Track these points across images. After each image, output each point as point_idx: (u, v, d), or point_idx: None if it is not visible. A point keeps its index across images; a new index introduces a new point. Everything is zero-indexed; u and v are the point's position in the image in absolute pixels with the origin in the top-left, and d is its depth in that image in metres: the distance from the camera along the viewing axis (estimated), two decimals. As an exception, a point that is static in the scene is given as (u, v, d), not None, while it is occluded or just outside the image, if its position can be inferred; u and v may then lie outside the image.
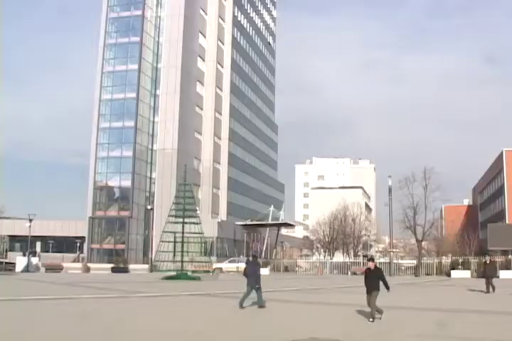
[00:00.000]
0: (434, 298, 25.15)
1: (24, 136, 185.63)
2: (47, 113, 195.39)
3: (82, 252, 76.14)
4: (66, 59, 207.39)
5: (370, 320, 15.89)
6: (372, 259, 17.22)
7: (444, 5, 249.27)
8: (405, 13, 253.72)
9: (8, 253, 76.17)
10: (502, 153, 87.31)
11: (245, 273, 20.03)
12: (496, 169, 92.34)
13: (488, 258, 31.10)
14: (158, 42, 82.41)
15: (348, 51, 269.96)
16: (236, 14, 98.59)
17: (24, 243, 72.49)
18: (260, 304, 19.30)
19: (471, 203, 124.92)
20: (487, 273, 28.19)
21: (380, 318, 16.03)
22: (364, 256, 79.61)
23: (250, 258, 20.96)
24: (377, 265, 19.50)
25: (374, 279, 16.29)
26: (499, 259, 55.37)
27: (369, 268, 16.65)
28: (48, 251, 77.22)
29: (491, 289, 27.34)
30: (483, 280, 28.36)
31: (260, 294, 19.39)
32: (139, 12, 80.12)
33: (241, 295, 19.37)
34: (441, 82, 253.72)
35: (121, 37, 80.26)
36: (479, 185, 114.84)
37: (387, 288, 16.56)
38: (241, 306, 18.95)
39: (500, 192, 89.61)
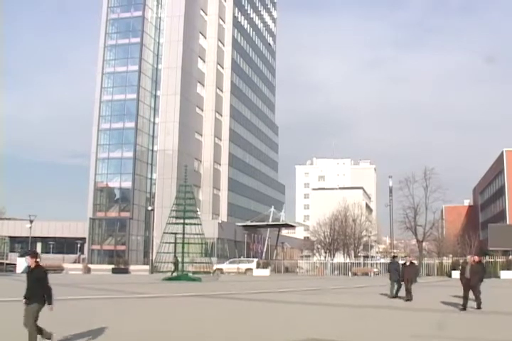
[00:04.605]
0: (432, 297, 25.05)
1: (25, 136, 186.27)
2: (47, 114, 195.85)
3: (82, 253, 76.13)
4: (66, 59, 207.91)
5: None
6: (31, 253, 11.13)
7: (445, 5, 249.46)
8: (405, 12, 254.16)
9: (9, 254, 76.22)
10: (502, 153, 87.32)
11: (389, 270, 25.29)
12: (497, 169, 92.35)
13: (408, 260, 25.78)
14: (158, 43, 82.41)
15: (349, 51, 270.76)
16: (236, 15, 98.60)
17: (25, 244, 72.58)
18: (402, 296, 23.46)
19: (471, 203, 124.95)
20: (405, 277, 23.80)
21: None
22: (365, 257, 79.63)
23: (391, 259, 26.48)
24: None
25: (32, 285, 10.79)
26: (500, 259, 55.37)
27: (30, 269, 11.03)
28: (48, 252, 77.26)
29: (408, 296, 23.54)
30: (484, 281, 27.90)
31: (399, 287, 24.17)
32: (139, 13, 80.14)
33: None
34: (442, 82, 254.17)
35: (122, 38, 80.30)
36: (480, 185, 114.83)
37: (49, 300, 10.71)
38: (394, 296, 24.24)
39: (500, 193, 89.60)
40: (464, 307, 19.40)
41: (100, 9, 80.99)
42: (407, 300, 23.11)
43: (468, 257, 21.35)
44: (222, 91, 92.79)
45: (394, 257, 26.66)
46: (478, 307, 19.64)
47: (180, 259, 44.00)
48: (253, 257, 73.15)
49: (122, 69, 78.98)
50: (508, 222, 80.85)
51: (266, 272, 59.30)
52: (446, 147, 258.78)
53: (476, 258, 21.25)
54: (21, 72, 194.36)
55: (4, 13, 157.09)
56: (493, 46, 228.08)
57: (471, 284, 19.76)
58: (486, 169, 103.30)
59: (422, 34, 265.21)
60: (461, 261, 55.28)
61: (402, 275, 24.13)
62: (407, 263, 24.59)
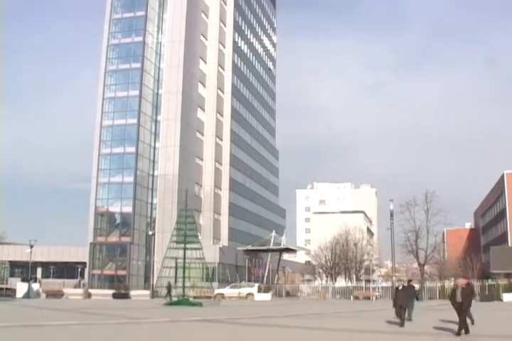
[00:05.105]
0: (432, 321, 24.87)
1: (25, 161, 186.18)
2: (48, 138, 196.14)
3: (83, 278, 75.84)
4: (67, 84, 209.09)
5: None
6: None
7: (445, 28, 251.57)
8: (406, 36, 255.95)
9: (9, 279, 75.91)
10: (503, 175, 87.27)
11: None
12: (498, 192, 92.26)
13: (400, 284, 25.31)
14: (159, 68, 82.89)
15: (349, 75, 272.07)
16: (236, 40, 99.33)
17: (25, 269, 72.32)
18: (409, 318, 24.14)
19: (473, 226, 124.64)
20: (398, 302, 23.30)
21: None
22: (366, 281, 79.33)
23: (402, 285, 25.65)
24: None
25: None
26: (502, 282, 55.13)
27: None
28: (48, 277, 77.08)
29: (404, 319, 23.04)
30: (486, 304, 27.73)
31: (411, 311, 24.80)
32: (139, 38, 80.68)
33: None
34: (443, 106, 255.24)
35: (123, 63, 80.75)
36: (481, 208, 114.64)
37: None
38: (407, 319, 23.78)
39: (502, 215, 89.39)
40: (466, 331, 19.17)
41: (101, 34, 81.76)
42: (401, 325, 22.45)
43: (459, 280, 20.99)
44: (222, 115, 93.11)
45: (409, 281, 26.10)
46: (466, 332, 19.26)
47: (180, 284, 43.84)
48: (254, 281, 72.90)
49: (123, 94, 79.36)
50: (509, 245, 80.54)
51: (267, 296, 59.02)
52: (447, 170, 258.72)
53: (464, 282, 20.98)
54: (21, 96, 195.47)
55: (5, 38, 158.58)
56: (495, 68, 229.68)
57: (463, 308, 19.51)
58: (487, 192, 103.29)
59: (422, 57, 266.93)
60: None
61: (395, 299, 23.74)
62: (400, 287, 24.34)
